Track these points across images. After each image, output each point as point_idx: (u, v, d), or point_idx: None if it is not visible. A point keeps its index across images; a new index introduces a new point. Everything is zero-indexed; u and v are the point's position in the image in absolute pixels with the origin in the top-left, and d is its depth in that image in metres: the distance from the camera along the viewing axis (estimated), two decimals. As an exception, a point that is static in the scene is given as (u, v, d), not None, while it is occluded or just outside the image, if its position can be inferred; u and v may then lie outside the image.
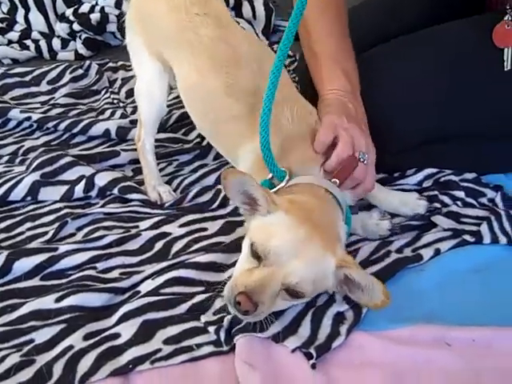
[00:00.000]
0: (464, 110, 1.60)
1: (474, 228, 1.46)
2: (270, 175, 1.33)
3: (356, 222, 1.46)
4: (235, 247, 1.41)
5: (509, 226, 1.46)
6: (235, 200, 1.26)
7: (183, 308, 1.30)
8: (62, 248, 1.47)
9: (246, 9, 2.75)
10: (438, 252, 1.41)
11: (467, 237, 1.44)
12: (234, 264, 1.37)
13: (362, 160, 1.36)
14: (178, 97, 2.20)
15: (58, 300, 1.31)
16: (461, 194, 1.57)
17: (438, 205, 1.54)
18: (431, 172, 1.63)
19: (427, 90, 1.59)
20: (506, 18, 1.49)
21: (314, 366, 1.14)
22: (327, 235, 1.22)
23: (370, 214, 1.52)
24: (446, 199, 1.55)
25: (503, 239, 1.43)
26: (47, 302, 1.31)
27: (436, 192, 1.57)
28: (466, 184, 1.60)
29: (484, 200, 1.57)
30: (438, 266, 1.39)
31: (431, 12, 1.84)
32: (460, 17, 1.68)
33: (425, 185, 1.62)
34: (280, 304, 1.21)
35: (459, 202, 1.55)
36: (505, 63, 1.50)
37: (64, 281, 1.39)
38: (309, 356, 1.16)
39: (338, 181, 1.33)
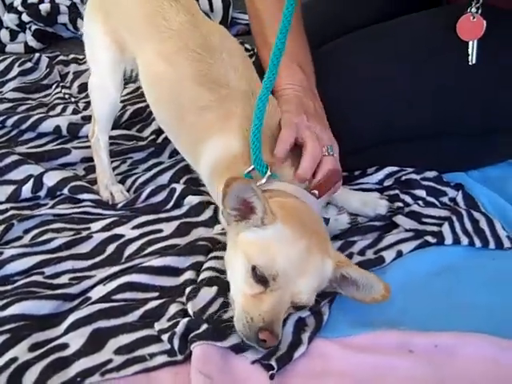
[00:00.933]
0: (424, 107, 1.58)
1: (436, 228, 1.44)
2: (250, 168, 1.28)
3: None
4: (191, 249, 1.37)
5: (470, 226, 1.44)
6: (228, 206, 1.19)
7: (136, 315, 1.24)
8: (8, 252, 1.39)
9: (203, 1, 2.67)
10: (400, 254, 1.39)
11: (429, 238, 1.42)
12: (190, 267, 1.33)
13: (330, 153, 1.35)
14: (131, 92, 2.15)
15: (1, 308, 1.23)
16: (422, 192, 1.55)
17: (399, 204, 1.52)
18: (392, 170, 1.61)
19: (386, 86, 1.56)
20: (470, 10, 1.46)
21: (272, 377, 1.10)
22: (320, 239, 1.20)
23: (326, 210, 1.49)
24: (408, 198, 1.53)
25: (465, 240, 1.41)
26: (-10, 311, 1.23)
27: (397, 191, 1.55)
28: (427, 183, 1.58)
29: (445, 199, 1.56)
30: (400, 268, 1.36)
31: (393, 4, 1.81)
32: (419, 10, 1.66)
33: (386, 183, 1.60)
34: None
35: (420, 202, 1.53)
36: (469, 57, 1.48)
37: (9, 287, 1.31)
38: (269, 368, 1.11)
39: (317, 192, 1.31)
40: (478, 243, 1.41)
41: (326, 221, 1.35)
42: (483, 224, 1.45)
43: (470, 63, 1.47)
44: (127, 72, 1.62)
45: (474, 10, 1.45)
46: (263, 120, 1.27)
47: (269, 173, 1.28)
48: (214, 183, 1.36)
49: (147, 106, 1.99)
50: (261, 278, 1.12)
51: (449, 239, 1.41)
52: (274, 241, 1.15)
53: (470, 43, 1.47)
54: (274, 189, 1.28)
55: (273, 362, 1.11)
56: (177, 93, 1.46)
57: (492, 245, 1.41)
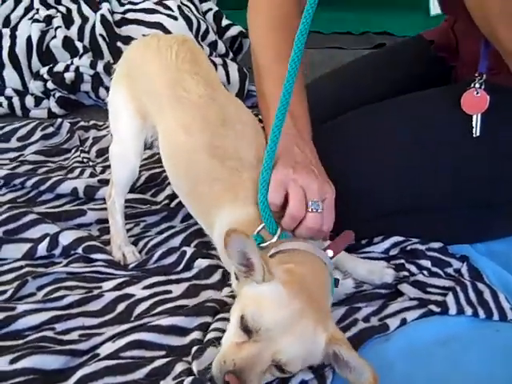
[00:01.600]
0: (431, 181, 1.62)
1: (440, 298, 1.46)
2: (261, 227, 1.33)
3: None
4: (199, 310, 1.40)
5: (474, 297, 1.46)
6: (233, 259, 1.22)
7: (142, 372, 1.25)
8: (20, 307, 1.42)
9: (221, 73, 2.78)
10: (404, 322, 1.40)
11: (433, 307, 1.43)
12: (197, 327, 1.35)
13: (313, 210, 1.37)
14: (147, 158, 2.22)
15: (12, 361, 1.25)
16: (427, 263, 1.57)
17: (405, 273, 1.54)
18: (398, 240, 1.64)
19: (395, 160, 1.61)
20: (473, 86, 1.53)
21: None
22: (320, 309, 1.20)
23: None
24: (413, 268, 1.56)
25: (469, 310, 1.42)
26: (2, 363, 1.25)
27: (403, 260, 1.58)
28: (432, 253, 1.61)
29: (450, 270, 1.57)
30: (404, 336, 1.37)
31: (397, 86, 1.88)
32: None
33: (391, 253, 1.62)
34: (267, 377, 1.17)
35: (425, 272, 1.55)
36: (473, 129, 1.53)
37: (20, 342, 1.34)
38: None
39: (332, 252, 1.34)
40: (481, 314, 1.42)
41: (336, 281, 1.36)
42: (487, 295, 1.46)
43: (474, 135, 1.53)
44: (148, 139, 1.67)
45: (477, 85, 1.52)
46: (268, 184, 1.33)
47: (279, 231, 1.32)
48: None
49: (162, 172, 2.07)
50: (245, 328, 1.14)
51: (453, 309, 1.42)
52: (267, 297, 1.17)
53: (474, 117, 1.53)
54: (289, 248, 1.30)
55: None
56: (192, 163, 1.51)
57: (496, 316, 1.42)
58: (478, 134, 1.53)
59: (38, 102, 2.77)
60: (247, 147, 1.46)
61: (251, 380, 1.10)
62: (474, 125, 1.53)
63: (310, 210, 1.36)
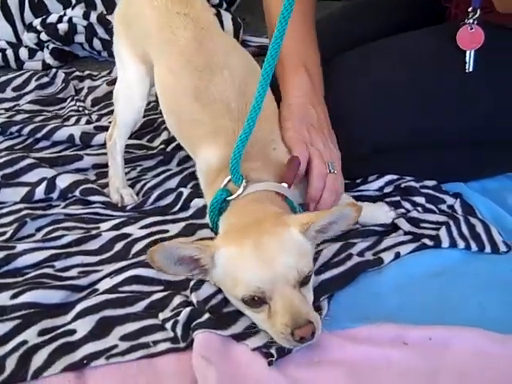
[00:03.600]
0: (428, 116, 1.62)
1: (433, 232, 1.48)
2: (226, 180, 1.31)
3: None
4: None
5: (467, 230, 1.48)
6: (181, 273, 1.22)
7: (141, 306, 1.29)
8: (20, 247, 1.45)
9: (215, 23, 2.75)
10: (398, 255, 1.42)
11: (426, 240, 1.45)
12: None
13: (332, 171, 1.40)
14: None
15: (13, 297, 1.29)
16: (421, 199, 1.59)
17: (402, 210, 1.56)
18: (392, 178, 1.65)
19: (394, 99, 1.61)
20: (467, 21, 1.53)
21: (270, 363, 1.13)
22: (270, 221, 1.19)
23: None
24: (407, 205, 1.58)
25: (461, 243, 1.45)
26: (2, 299, 1.29)
27: (398, 198, 1.59)
28: (426, 190, 1.62)
29: (443, 206, 1.59)
30: (398, 268, 1.40)
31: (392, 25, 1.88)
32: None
33: (386, 190, 1.64)
34: (308, 295, 1.18)
35: (419, 208, 1.57)
36: (466, 65, 1.54)
37: (20, 279, 1.37)
38: (269, 355, 1.14)
39: (286, 184, 1.33)
40: (474, 247, 1.44)
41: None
42: (479, 229, 1.48)
43: (467, 71, 1.54)
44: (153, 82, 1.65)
45: (471, 21, 1.52)
46: (251, 134, 1.26)
47: (244, 183, 1.29)
48: (205, 191, 1.43)
49: (158, 118, 2.09)
50: (254, 303, 1.14)
51: (445, 242, 1.44)
52: (228, 267, 1.17)
53: (468, 52, 1.53)
54: (250, 192, 1.29)
55: (273, 351, 1.14)
56: (177, 103, 1.52)
57: (488, 249, 1.44)
58: (470, 70, 1.54)
59: (32, 53, 2.75)
60: (234, 93, 1.42)
61: (302, 315, 1.11)
62: (467, 60, 1.53)
63: (329, 171, 1.40)
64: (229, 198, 1.30)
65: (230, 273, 1.17)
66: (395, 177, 1.66)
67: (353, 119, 1.59)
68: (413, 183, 1.63)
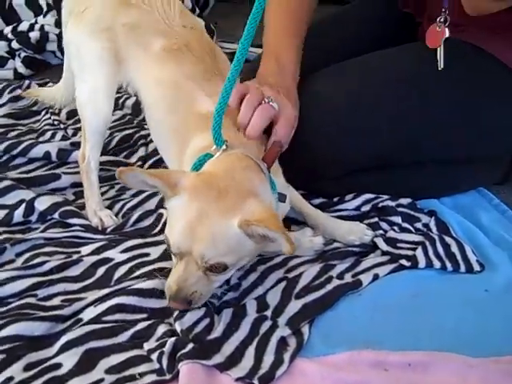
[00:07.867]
0: (403, 134, 1.65)
1: (410, 253, 1.51)
2: (213, 148, 1.33)
3: None
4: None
5: (442, 250, 1.52)
6: (146, 188, 1.29)
7: (126, 336, 1.29)
8: (1, 275, 1.44)
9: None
10: (376, 277, 1.45)
11: (403, 261, 1.49)
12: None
13: (267, 101, 1.42)
14: (119, 119, 2.22)
15: (-4, 329, 1.29)
16: (398, 219, 1.62)
17: (381, 232, 1.59)
18: (369, 197, 1.68)
19: (367, 117, 1.63)
20: (438, 19, 1.57)
21: (254, 394, 1.15)
22: (234, 196, 1.21)
23: (303, 232, 1.56)
24: (384, 225, 1.61)
25: (437, 263, 1.48)
26: (-15, 332, 1.28)
27: (376, 219, 1.62)
28: (402, 209, 1.66)
29: (419, 225, 1.63)
30: (376, 290, 1.43)
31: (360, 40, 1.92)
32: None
33: (363, 209, 1.67)
34: (216, 279, 1.26)
35: (396, 227, 1.61)
36: (438, 63, 1.57)
37: (3, 309, 1.36)
38: (252, 386, 1.16)
39: (265, 164, 1.35)
40: (449, 267, 1.48)
41: (283, 197, 1.39)
42: (454, 248, 1.52)
43: (439, 68, 1.57)
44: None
45: (441, 19, 1.56)
46: (228, 101, 1.30)
47: (224, 147, 1.31)
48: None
49: (134, 133, 2.10)
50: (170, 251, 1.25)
51: (422, 263, 1.48)
52: (171, 212, 1.25)
53: (438, 49, 1.57)
54: (232, 153, 1.32)
55: (255, 381, 1.16)
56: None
57: (463, 268, 1.48)
58: (442, 67, 1.57)
59: (3, 62, 2.72)
60: None
61: (193, 296, 1.22)
62: (438, 58, 1.57)
63: (264, 101, 1.42)
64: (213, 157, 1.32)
65: (171, 217, 1.26)
66: (372, 196, 1.68)
67: (320, 144, 1.60)
68: (389, 202, 1.66)
